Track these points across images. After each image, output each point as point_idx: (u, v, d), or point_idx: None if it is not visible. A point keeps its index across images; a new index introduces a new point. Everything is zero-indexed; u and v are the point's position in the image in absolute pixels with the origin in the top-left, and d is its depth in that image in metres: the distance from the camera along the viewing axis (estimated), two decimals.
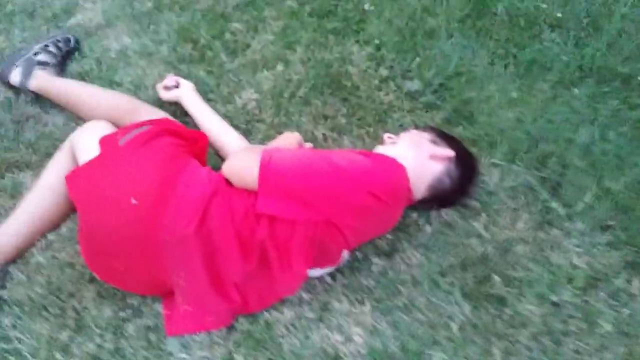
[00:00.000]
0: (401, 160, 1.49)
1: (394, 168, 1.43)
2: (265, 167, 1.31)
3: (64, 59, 2.02)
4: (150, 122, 1.53)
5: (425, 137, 1.60)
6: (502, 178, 1.75)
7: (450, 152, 1.54)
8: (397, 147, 1.58)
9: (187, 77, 1.98)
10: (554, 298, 1.50)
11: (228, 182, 1.39)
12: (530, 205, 1.69)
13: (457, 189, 1.57)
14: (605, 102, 1.93)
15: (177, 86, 1.85)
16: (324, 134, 1.87)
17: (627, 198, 1.67)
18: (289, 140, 1.64)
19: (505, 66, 2.06)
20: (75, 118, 1.85)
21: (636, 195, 1.69)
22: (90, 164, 1.43)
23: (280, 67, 2.05)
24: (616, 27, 2.16)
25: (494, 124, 1.87)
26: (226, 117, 1.87)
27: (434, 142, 1.58)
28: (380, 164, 1.40)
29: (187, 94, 1.82)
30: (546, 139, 1.83)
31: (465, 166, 1.58)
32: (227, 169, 1.40)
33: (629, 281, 1.54)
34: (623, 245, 1.60)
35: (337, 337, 1.46)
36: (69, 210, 1.60)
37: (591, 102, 1.94)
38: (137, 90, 1.95)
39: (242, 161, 1.38)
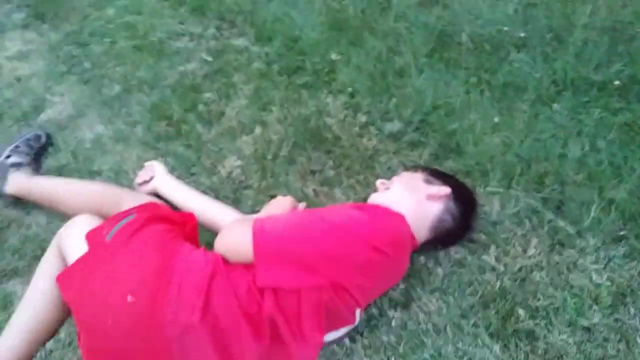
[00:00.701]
0: (399, 206, 1.45)
1: (392, 217, 1.38)
2: (259, 237, 1.26)
3: (38, 156, 1.97)
4: (136, 209, 1.47)
5: (418, 177, 1.57)
6: (503, 205, 1.71)
7: (446, 189, 1.50)
8: (392, 192, 1.54)
9: (165, 155, 1.95)
10: (585, 322, 1.44)
11: (225, 260, 1.33)
12: (538, 229, 1.65)
13: (460, 224, 1.52)
14: (587, 112, 1.93)
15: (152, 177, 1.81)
16: (314, 190, 1.82)
17: (632, 205, 1.64)
18: (282, 204, 1.59)
19: (481, 93, 2.06)
20: (59, 216, 1.78)
21: None
22: (80, 262, 1.36)
23: (258, 129, 2.02)
24: (580, 38, 2.19)
25: (482, 152, 1.84)
26: (212, 189, 1.83)
27: (427, 182, 1.54)
28: (376, 215, 1.36)
29: (161, 183, 1.76)
30: (537, 158, 1.81)
31: (464, 200, 1.54)
32: (220, 245, 1.33)
33: None
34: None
35: None
36: (65, 313, 1.51)
37: (573, 115, 1.94)
38: (117, 176, 1.90)
39: (234, 235, 1.32)
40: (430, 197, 1.49)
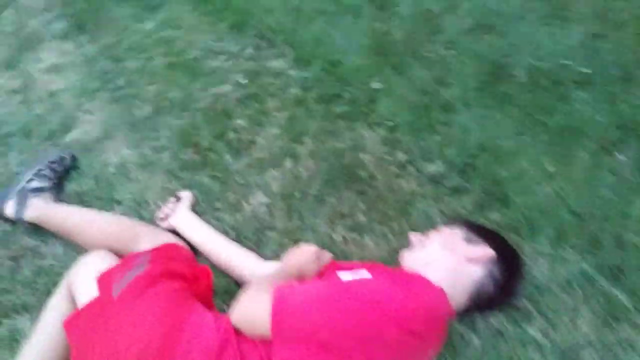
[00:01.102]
0: (435, 269, 1.29)
1: (429, 292, 1.22)
2: (278, 312, 1.12)
3: (60, 180, 1.90)
4: (150, 255, 1.37)
5: (457, 234, 1.40)
6: (552, 269, 1.53)
7: (489, 251, 1.33)
8: (428, 251, 1.38)
9: (189, 186, 1.85)
10: None
11: (237, 329, 1.20)
12: (590, 299, 1.46)
13: (503, 290, 1.35)
14: None
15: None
16: (343, 237, 1.68)
17: None
18: (305, 254, 1.46)
19: (535, 136, 1.87)
20: (76, 247, 1.70)
21: None
22: (87, 310, 1.28)
23: (288, 163, 1.90)
24: None
25: (532, 204, 1.66)
26: (234, 228, 1.72)
27: (468, 241, 1.37)
28: (412, 291, 1.19)
29: (181, 222, 1.69)
30: (595, 216, 1.61)
31: (509, 263, 1.36)
32: (236, 318, 1.19)
33: None
34: None
35: None
36: None
37: (638, 166, 1.72)
38: (138, 207, 1.81)
39: (252, 307, 1.18)
40: (471, 260, 1.32)
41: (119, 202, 1.83)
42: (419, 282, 1.23)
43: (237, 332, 1.18)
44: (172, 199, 1.77)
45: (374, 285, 1.19)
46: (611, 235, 1.57)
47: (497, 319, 1.46)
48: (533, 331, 1.42)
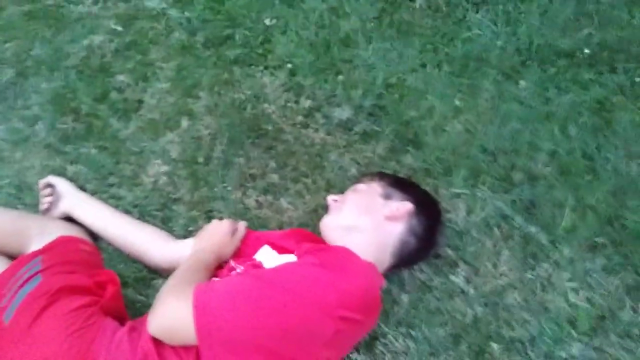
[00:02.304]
0: (357, 237, 1.24)
1: (360, 272, 1.15)
2: (202, 318, 1.02)
3: None
4: (40, 265, 1.20)
5: (374, 191, 1.34)
6: (469, 210, 1.53)
7: (407, 205, 1.29)
8: (346, 215, 1.31)
9: (75, 160, 1.64)
10: (563, 354, 1.32)
11: (156, 340, 1.08)
12: (508, 239, 1.49)
13: (426, 243, 1.33)
14: (555, 88, 1.74)
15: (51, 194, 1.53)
16: (256, 201, 1.58)
17: (608, 206, 1.50)
18: (219, 230, 1.35)
19: (439, 66, 1.81)
20: None
21: (617, 201, 1.51)
22: None
23: (185, 122, 1.73)
24: None
25: (444, 143, 1.64)
26: (136, 205, 1.56)
27: (386, 197, 1.32)
28: (342, 274, 1.11)
29: (72, 206, 1.50)
30: (504, 149, 1.62)
31: (428, 215, 1.34)
32: (155, 329, 1.06)
33: (635, 310, 1.37)
34: (619, 266, 1.43)
35: None
36: None
37: (541, 91, 1.74)
38: (20, 192, 1.59)
39: (170, 314, 1.06)
40: (391, 218, 1.28)
41: None
42: (347, 260, 1.16)
43: (157, 342, 1.07)
44: (41, 182, 1.55)
45: (302, 271, 1.11)
46: (521, 169, 1.58)
47: (423, 272, 1.45)
48: (457, 280, 1.43)
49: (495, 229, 1.50)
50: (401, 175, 1.58)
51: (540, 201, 1.52)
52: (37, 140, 1.69)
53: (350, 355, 1.33)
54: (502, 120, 1.67)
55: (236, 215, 1.53)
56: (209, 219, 1.51)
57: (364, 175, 1.49)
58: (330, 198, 1.40)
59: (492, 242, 1.48)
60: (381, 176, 1.41)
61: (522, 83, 1.75)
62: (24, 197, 1.58)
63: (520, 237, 1.48)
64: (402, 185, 1.38)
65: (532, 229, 1.49)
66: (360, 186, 1.38)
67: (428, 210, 1.34)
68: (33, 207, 1.55)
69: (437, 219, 1.38)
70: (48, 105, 1.76)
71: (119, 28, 1.97)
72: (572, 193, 1.53)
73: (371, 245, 1.23)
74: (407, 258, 1.31)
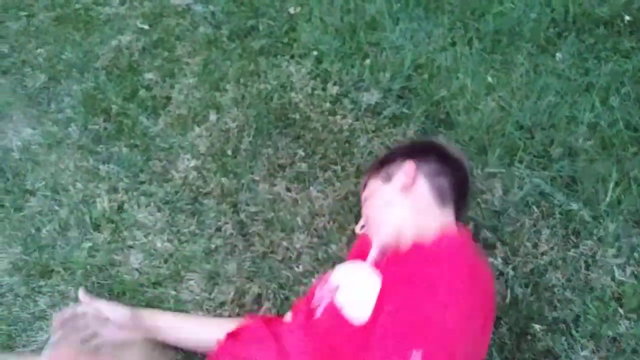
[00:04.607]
0: (404, 226, 1.12)
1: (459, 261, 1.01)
2: None
3: None
4: None
5: (377, 184, 1.23)
6: (506, 189, 1.47)
7: (407, 164, 1.18)
8: (381, 229, 1.16)
9: (109, 159, 1.65)
10: (610, 332, 1.24)
11: None
12: (549, 217, 1.42)
13: (453, 171, 1.20)
14: (595, 58, 1.64)
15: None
16: (286, 190, 1.55)
17: None
18: None
19: (469, 43, 1.75)
20: None
21: None
22: None
23: (212, 116, 1.72)
24: None
25: (477, 122, 1.58)
26: (167, 202, 1.56)
27: (387, 178, 1.21)
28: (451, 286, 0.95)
29: (141, 321, 1.24)
30: (541, 125, 1.54)
31: (430, 151, 1.23)
32: None
33: None
34: None
35: None
36: None
37: (579, 63, 1.65)
38: (56, 194, 1.61)
39: None
40: (407, 187, 1.17)
41: (32, 193, 1.62)
42: (424, 258, 1.04)
43: None
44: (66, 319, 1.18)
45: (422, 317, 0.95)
46: (561, 144, 1.51)
47: None
48: (495, 261, 1.37)
49: (534, 208, 1.43)
50: None
51: (582, 176, 1.45)
52: (70, 142, 1.72)
53: None
54: (538, 95, 1.60)
55: (266, 206, 1.51)
56: (237, 212, 1.50)
57: (362, 184, 1.36)
58: (358, 229, 1.29)
59: (532, 221, 1.42)
60: (369, 170, 1.31)
61: (559, 55, 1.67)
62: (60, 199, 1.60)
63: (561, 215, 1.41)
64: (389, 156, 1.27)
65: (574, 206, 1.41)
66: (365, 194, 1.28)
67: (427, 149, 1.23)
68: (71, 207, 1.57)
69: (439, 147, 1.26)
70: (80, 107, 1.79)
71: (146, 27, 1.99)
72: (615, 166, 1.44)
73: (421, 219, 1.13)
74: (455, 195, 1.18)
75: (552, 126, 1.53)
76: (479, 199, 1.42)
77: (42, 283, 1.46)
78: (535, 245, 1.38)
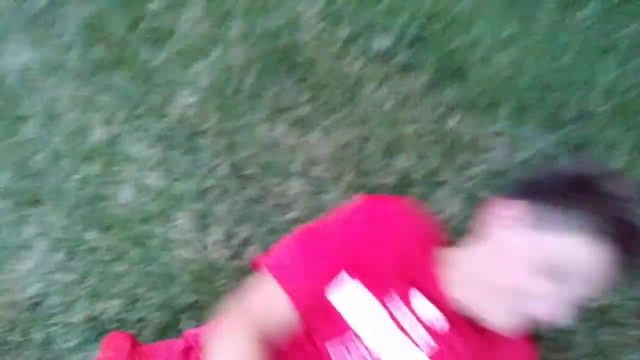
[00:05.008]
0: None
1: None
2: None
3: None
4: None
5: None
6: (511, 149, 1.40)
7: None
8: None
9: (106, 89, 1.60)
10: None
11: None
12: None
13: None
14: (618, 20, 1.54)
15: None
16: (285, 133, 1.50)
17: None
18: None
19: None
20: None
21: None
22: None
23: (215, 52, 1.65)
24: None
25: (490, 76, 1.50)
26: (162, 137, 1.52)
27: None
28: None
29: None
30: (556, 86, 1.46)
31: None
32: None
33: None
34: None
35: None
36: None
37: (602, 24, 1.55)
38: (49, 121, 1.57)
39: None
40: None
41: (24, 119, 1.59)
42: None
43: None
44: None
45: None
46: (572, 107, 1.43)
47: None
48: None
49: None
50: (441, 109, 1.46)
51: (591, 142, 1.38)
52: (68, 68, 1.66)
53: None
54: (555, 53, 1.51)
55: (263, 149, 1.46)
56: (233, 153, 1.45)
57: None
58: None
59: None
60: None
61: (581, 13, 1.56)
62: (52, 127, 1.57)
63: None
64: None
65: None
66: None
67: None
68: (61, 138, 1.53)
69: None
70: (80, 34, 1.72)
71: None
72: (627, 134, 1.36)
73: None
74: None
75: (565, 87, 1.45)
76: (482, 157, 1.35)
77: (30, 212, 1.44)
78: None
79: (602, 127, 1.39)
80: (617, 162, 1.34)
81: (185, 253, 1.35)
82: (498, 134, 1.42)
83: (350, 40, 1.63)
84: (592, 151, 1.37)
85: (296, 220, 1.37)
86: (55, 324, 1.31)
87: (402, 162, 1.42)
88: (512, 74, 1.49)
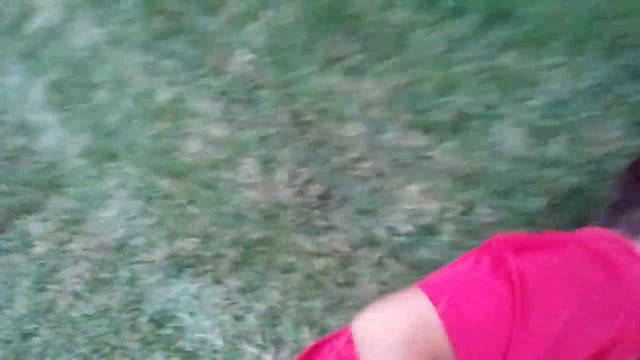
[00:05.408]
0: None
1: None
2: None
3: None
4: None
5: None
6: (574, 77, 1.41)
7: None
8: None
9: (168, 55, 1.70)
10: None
11: None
12: (614, 106, 1.36)
13: None
14: None
15: None
16: (340, 81, 1.56)
17: None
18: None
19: None
20: None
21: None
22: None
23: (267, 13, 1.72)
24: None
25: (540, 12, 1.51)
26: (223, 93, 1.60)
27: None
28: None
29: None
30: (613, 14, 1.46)
31: None
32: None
33: None
34: None
35: None
36: None
37: None
38: (120, 87, 1.69)
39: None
40: None
41: (98, 86, 1.71)
42: None
43: None
44: None
45: None
46: (632, 33, 1.43)
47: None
48: (557, 148, 1.33)
49: (602, 97, 1.38)
50: (494, 48, 1.48)
51: None
52: (132, 40, 1.78)
53: None
54: None
55: (319, 97, 1.53)
56: (292, 102, 1.52)
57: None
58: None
59: (598, 111, 1.36)
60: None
61: None
62: (123, 91, 1.68)
63: (628, 105, 1.35)
64: None
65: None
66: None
67: None
68: (131, 100, 1.64)
69: None
70: (140, 8, 1.83)
71: None
72: None
73: None
74: None
75: (624, 15, 1.45)
76: (541, 88, 1.37)
77: (109, 165, 1.56)
78: (600, 134, 1.34)
79: None
80: None
81: (253, 194, 1.43)
82: (555, 65, 1.44)
83: None
84: None
85: (357, 160, 1.43)
86: (139, 262, 1.41)
87: (459, 99, 1.46)
88: (563, 9, 1.50)
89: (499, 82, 1.46)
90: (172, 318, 1.35)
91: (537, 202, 1.27)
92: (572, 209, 1.25)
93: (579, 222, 1.21)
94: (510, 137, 1.38)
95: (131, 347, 1.35)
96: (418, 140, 1.42)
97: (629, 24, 1.44)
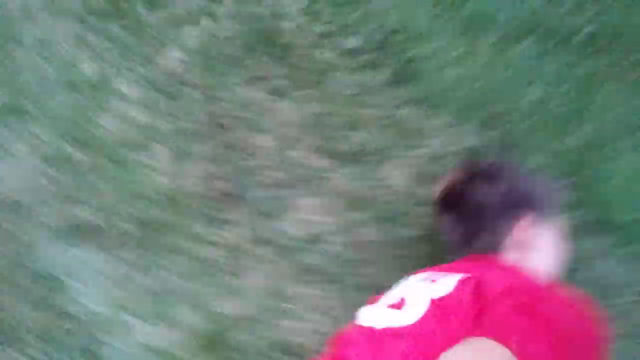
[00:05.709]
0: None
1: None
2: None
3: None
4: None
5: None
6: (450, 140, 1.67)
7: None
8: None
9: (100, 33, 1.75)
10: None
11: None
12: None
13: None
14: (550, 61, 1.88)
15: None
16: (263, 97, 1.70)
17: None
18: None
19: (448, 21, 1.95)
20: None
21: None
22: None
23: (205, 21, 1.84)
24: None
25: (439, 83, 1.77)
26: (148, 80, 1.68)
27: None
28: None
29: None
30: (492, 97, 1.76)
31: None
32: None
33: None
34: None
35: None
36: None
37: (537, 58, 1.88)
38: (43, 48, 1.70)
39: None
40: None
41: (20, 43, 1.70)
42: None
43: None
44: None
45: None
46: (503, 117, 1.72)
47: None
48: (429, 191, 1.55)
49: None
50: (396, 101, 1.71)
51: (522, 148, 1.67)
52: (66, 9, 1.80)
53: None
54: (494, 74, 1.81)
55: (239, 105, 1.65)
56: (212, 104, 1.63)
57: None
58: None
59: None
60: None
61: (521, 47, 1.89)
62: (45, 52, 1.69)
63: None
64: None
65: None
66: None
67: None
68: (54, 66, 1.65)
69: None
70: None
71: None
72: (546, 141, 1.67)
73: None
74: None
75: (499, 101, 1.74)
76: (426, 142, 1.60)
77: (16, 120, 1.55)
78: None
79: (524, 135, 1.69)
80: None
81: (159, 178, 1.50)
82: (441, 125, 1.69)
83: (325, 35, 1.87)
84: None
85: (263, 167, 1.57)
86: (31, 222, 1.41)
87: (361, 136, 1.66)
88: (457, 84, 1.78)
89: (395, 129, 1.68)
90: (57, 280, 1.35)
91: (412, 232, 1.48)
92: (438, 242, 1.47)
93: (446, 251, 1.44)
94: (397, 174, 1.59)
95: (9, 303, 1.33)
96: (321, 162, 1.59)
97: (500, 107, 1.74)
